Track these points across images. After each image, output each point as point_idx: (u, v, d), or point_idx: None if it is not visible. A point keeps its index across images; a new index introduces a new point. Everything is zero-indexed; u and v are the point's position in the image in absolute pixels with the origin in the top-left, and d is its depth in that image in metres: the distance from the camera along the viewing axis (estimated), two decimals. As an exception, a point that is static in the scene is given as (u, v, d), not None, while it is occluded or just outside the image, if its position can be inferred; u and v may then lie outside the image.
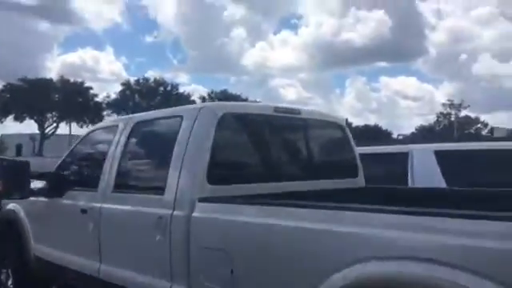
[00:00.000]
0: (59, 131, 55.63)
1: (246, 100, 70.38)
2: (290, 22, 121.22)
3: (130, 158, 3.65)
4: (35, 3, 74.31)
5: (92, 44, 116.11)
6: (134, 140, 3.66)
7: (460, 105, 65.87)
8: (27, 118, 53.53)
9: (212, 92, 67.21)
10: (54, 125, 55.68)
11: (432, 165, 4.53)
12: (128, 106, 58.96)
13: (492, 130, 52.60)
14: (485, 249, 1.75)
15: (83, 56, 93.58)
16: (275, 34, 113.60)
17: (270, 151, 3.52)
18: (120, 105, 58.38)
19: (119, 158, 3.61)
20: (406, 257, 1.92)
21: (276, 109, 3.54)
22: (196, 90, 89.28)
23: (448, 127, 59.10)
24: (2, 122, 53.05)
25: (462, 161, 4.46)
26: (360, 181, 3.96)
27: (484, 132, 58.74)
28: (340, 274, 2.09)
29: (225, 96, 67.03)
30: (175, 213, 2.95)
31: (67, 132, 55.63)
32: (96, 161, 4.11)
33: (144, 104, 59.05)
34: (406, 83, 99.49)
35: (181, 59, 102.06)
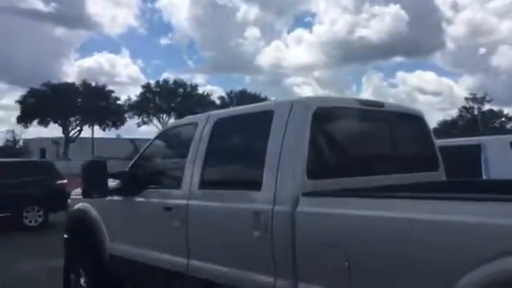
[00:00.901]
0: (83, 134, 56.42)
1: (265, 99, 70.54)
2: (304, 20, 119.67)
3: (216, 154, 3.64)
4: (51, 10, 75.37)
5: (108, 48, 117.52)
6: (217, 137, 3.64)
7: (483, 98, 64.72)
8: (51, 123, 54.39)
9: (231, 92, 67.48)
10: (78, 128, 56.46)
11: (509, 156, 4.46)
12: (149, 107, 59.48)
13: (518, 123, 51.70)
14: None
15: (99, 60, 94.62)
16: (289, 32, 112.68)
17: (361, 145, 3.47)
18: (141, 107, 58.96)
19: (203, 155, 3.61)
20: None
21: (361, 102, 3.50)
22: (213, 90, 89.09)
23: (471, 121, 58.05)
24: (27, 127, 54.00)
25: None
26: (442, 174, 3.90)
27: (509, 126, 57.59)
28: (480, 269, 2.02)
29: (243, 96, 67.16)
30: (277, 208, 2.93)
31: (90, 135, 56.42)
32: (175, 159, 4.13)
33: (165, 105, 59.50)
34: (424, 78, 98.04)
35: (196, 60, 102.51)
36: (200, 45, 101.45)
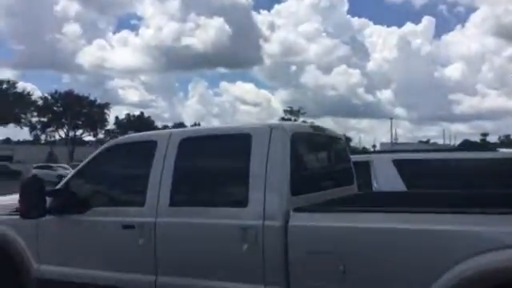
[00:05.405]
0: None
1: (95, 101, 67.72)
2: (130, 22, 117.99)
3: (186, 173, 3.78)
4: None
5: None
6: (185, 156, 3.75)
7: (299, 111, 74.08)
8: None
9: (56, 92, 63.50)
10: None
11: (393, 170, 5.57)
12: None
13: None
14: None
15: None
16: (114, 33, 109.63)
17: (320, 164, 4.07)
18: None
19: (171, 174, 3.70)
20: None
21: (314, 127, 4.13)
22: (25, 87, 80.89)
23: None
24: None
25: (417, 168, 5.61)
26: (355, 187, 4.70)
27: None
28: (453, 270, 2.68)
29: (68, 96, 63.31)
30: (267, 222, 3.28)
31: None
32: (131, 177, 4.09)
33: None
34: (245, 89, 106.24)
35: (4, 54, 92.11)
36: (10, 37, 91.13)
